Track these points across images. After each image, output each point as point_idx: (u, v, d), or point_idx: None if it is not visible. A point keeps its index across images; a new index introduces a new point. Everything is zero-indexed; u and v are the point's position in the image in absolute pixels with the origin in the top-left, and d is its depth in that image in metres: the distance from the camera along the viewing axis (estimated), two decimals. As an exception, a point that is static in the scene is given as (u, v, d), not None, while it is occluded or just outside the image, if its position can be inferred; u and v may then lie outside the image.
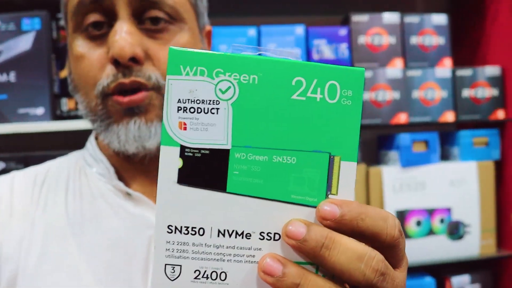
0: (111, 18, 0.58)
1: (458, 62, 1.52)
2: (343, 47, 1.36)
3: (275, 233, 0.32)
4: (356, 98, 0.32)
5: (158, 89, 0.58)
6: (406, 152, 1.34)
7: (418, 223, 1.34)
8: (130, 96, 0.57)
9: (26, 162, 1.22)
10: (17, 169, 1.19)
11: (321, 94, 0.32)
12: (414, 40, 1.40)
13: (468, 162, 1.38)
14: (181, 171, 0.31)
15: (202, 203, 0.31)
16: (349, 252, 0.31)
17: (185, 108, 0.31)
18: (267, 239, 0.32)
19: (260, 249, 0.32)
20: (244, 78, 0.31)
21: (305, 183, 0.32)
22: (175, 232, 0.31)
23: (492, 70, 1.39)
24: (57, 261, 0.57)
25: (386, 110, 1.34)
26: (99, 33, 0.58)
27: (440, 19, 1.41)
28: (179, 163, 0.31)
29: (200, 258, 0.32)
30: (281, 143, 0.32)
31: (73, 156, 0.69)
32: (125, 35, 0.55)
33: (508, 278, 1.43)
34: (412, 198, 1.34)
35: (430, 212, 1.35)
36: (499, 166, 1.43)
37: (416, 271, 1.39)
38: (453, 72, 1.38)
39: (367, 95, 1.33)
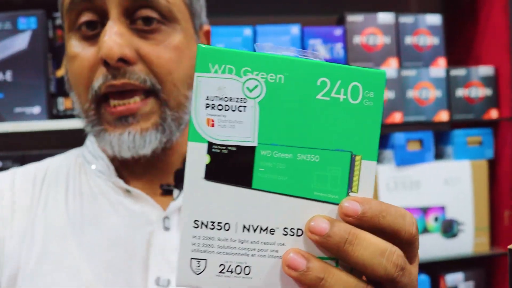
0: (103, 18, 0.57)
1: (452, 62, 1.53)
2: (338, 47, 1.37)
3: (298, 229, 0.33)
4: (378, 99, 0.33)
5: (155, 94, 0.58)
6: (400, 151, 1.36)
7: (413, 222, 1.35)
8: (125, 106, 0.57)
9: (23, 161, 1.22)
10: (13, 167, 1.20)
11: (344, 95, 0.32)
12: (409, 40, 1.41)
13: (462, 161, 1.39)
14: (208, 167, 0.32)
15: (228, 199, 0.32)
16: (372, 248, 0.32)
17: (213, 105, 0.31)
18: (290, 234, 0.33)
19: (283, 244, 0.33)
20: (271, 77, 0.31)
21: (327, 181, 0.33)
22: (201, 227, 0.32)
23: (486, 70, 1.41)
24: (57, 260, 0.58)
25: (381, 109, 1.35)
26: (92, 33, 0.58)
27: (434, 19, 1.42)
28: (207, 159, 0.32)
29: (225, 253, 0.32)
30: (305, 142, 0.32)
31: (72, 154, 0.69)
32: (114, 36, 0.55)
33: (501, 275, 1.44)
34: (407, 196, 1.35)
35: (425, 211, 1.36)
36: (493, 165, 1.44)
37: (410, 269, 1.40)
38: (447, 72, 1.39)
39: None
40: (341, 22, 1.43)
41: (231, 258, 0.32)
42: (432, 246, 1.36)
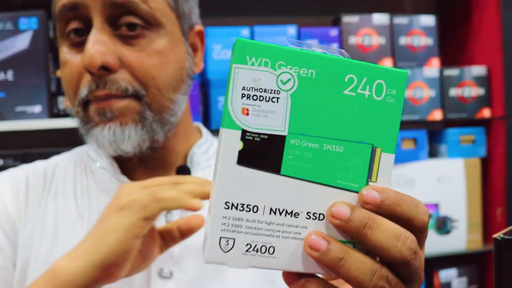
0: (89, 25, 0.59)
1: (446, 62, 1.55)
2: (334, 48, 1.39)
3: (320, 214, 0.35)
4: (399, 97, 0.35)
5: (137, 97, 0.60)
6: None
7: (407, 219, 1.37)
8: (107, 102, 0.58)
9: (24, 159, 1.23)
10: (15, 166, 1.21)
11: (369, 91, 0.35)
12: (403, 40, 1.43)
13: (455, 159, 1.41)
14: (241, 153, 0.34)
15: (257, 183, 0.34)
16: (389, 232, 0.34)
17: (248, 95, 0.33)
18: (312, 218, 0.35)
19: (306, 227, 0.35)
20: (303, 72, 0.34)
21: (349, 170, 0.35)
22: (231, 208, 0.34)
23: (478, 70, 1.43)
24: (66, 250, 0.60)
25: (376, 108, 1.37)
26: (80, 40, 0.60)
27: (428, 20, 1.44)
28: (240, 145, 0.34)
29: (252, 233, 0.34)
30: (331, 133, 0.34)
31: (78, 152, 0.71)
32: (96, 44, 0.57)
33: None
34: (401, 194, 1.37)
35: (419, 208, 1.38)
36: (485, 163, 1.46)
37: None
38: (441, 72, 1.41)
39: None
40: (336, 23, 1.45)
41: (257, 238, 0.34)
42: (425, 243, 1.38)
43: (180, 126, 0.67)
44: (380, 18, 1.42)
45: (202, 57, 0.70)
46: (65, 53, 0.61)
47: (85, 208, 0.64)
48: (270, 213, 0.34)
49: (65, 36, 0.61)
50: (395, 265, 0.35)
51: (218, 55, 1.33)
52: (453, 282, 1.44)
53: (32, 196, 0.65)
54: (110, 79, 0.58)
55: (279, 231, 0.35)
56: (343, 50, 0.35)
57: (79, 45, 0.60)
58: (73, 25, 0.60)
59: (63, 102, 1.30)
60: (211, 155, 0.70)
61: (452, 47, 1.61)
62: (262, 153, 0.34)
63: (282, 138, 0.34)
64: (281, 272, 0.35)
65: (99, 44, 0.57)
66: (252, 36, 1.35)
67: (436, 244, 1.40)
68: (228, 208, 0.34)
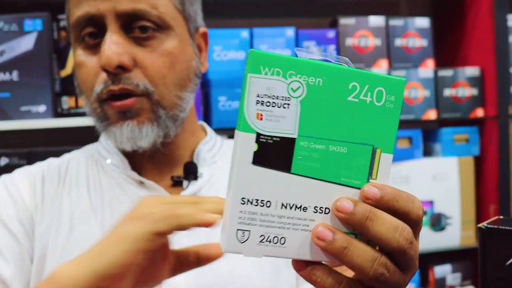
0: (102, 29, 0.63)
1: (440, 63, 1.57)
2: (331, 49, 1.41)
3: (326, 208, 0.38)
4: (397, 103, 0.39)
5: (148, 95, 0.64)
6: (391, 148, 1.40)
7: (403, 215, 1.39)
8: (122, 101, 0.63)
9: (29, 158, 1.25)
10: (20, 164, 1.23)
11: (370, 98, 0.38)
12: (399, 42, 1.45)
13: (450, 157, 1.43)
14: (256, 154, 0.37)
15: (270, 181, 0.37)
16: (387, 224, 0.38)
17: (262, 102, 0.37)
18: (319, 212, 0.38)
19: (313, 220, 0.38)
20: (312, 80, 0.37)
21: (352, 169, 0.39)
22: (247, 204, 0.37)
23: (472, 70, 1.45)
24: (82, 243, 0.62)
25: (372, 108, 1.39)
26: (94, 42, 0.64)
27: (423, 22, 1.46)
28: (255, 147, 0.37)
29: (265, 226, 0.38)
30: (336, 135, 0.38)
31: (88, 150, 0.75)
32: (112, 45, 0.61)
33: (487, 267, 1.49)
34: (397, 191, 1.39)
35: (414, 205, 1.40)
36: (479, 162, 1.48)
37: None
38: (435, 72, 1.43)
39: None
40: (334, 25, 1.46)
41: (270, 230, 0.38)
42: (420, 239, 1.39)
43: (187, 123, 0.70)
44: (376, 20, 1.44)
45: (207, 57, 0.74)
46: (80, 55, 0.65)
47: (98, 201, 0.67)
48: (281, 208, 0.38)
49: (80, 40, 0.65)
50: (393, 253, 0.39)
51: (219, 56, 1.35)
52: (447, 278, 1.46)
53: (48, 191, 0.68)
54: (125, 77, 0.62)
55: (289, 223, 0.38)
56: (348, 59, 0.39)
57: (93, 47, 0.64)
58: (88, 29, 0.63)
59: (66, 102, 1.32)
60: (216, 152, 0.73)
61: (446, 49, 1.62)
62: (274, 154, 0.37)
63: (292, 140, 0.37)
64: (284, 261, 0.39)
65: (115, 45, 0.61)
66: (251, 38, 1.38)
67: (430, 240, 1.41)
68: (244, 203, 0.37)
